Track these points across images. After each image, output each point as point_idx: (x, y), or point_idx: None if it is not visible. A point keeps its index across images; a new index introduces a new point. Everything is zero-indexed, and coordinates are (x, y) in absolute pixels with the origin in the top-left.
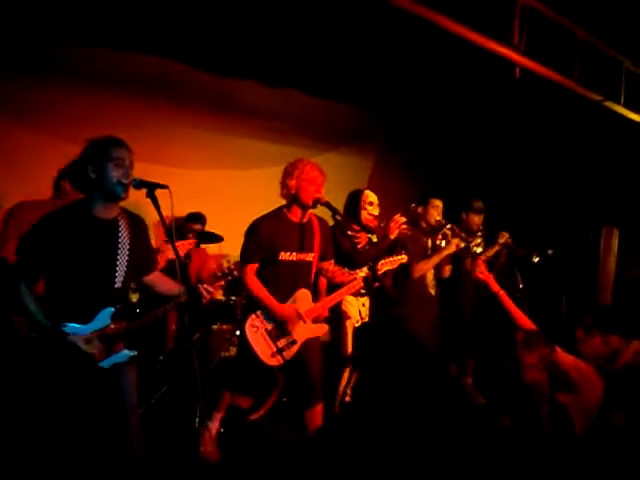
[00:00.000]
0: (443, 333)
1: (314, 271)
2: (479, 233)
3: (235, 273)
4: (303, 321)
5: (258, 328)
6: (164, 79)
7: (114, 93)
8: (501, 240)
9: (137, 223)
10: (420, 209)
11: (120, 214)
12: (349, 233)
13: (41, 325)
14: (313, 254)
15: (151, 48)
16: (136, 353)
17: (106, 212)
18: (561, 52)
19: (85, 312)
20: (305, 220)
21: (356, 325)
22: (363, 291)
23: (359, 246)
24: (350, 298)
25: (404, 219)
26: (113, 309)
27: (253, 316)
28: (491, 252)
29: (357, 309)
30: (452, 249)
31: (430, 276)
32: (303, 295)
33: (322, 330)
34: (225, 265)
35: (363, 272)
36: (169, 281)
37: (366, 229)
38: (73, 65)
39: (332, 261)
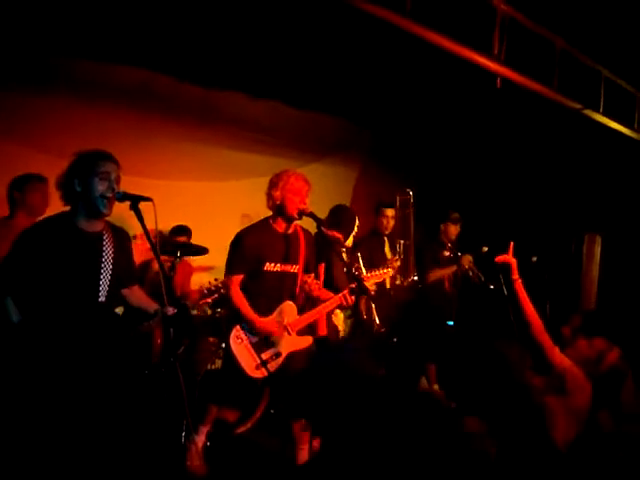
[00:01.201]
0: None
1: (299, 283)
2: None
3: (222, 290)
4: (288, 333)
5: (242, 340)
6: (148, 91)
7: (98, 105)
8: (464, 263)
9: (121, 237)
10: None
11: (105, 227)
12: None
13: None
14: (298, 266)
15: (135, 60)
16: None
17: (90, 225)
18: (541, 61)
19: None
20: (290, 231)
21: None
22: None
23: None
24: (338, 312)
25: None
26: None
27: (237, 327)
28: (448, 271)
29: (345, 322)
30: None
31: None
32: (288, 307)
33: (307, 342)
34: (213, 282)
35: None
36: (144, 297)
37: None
38: (57, 77)
39: (312, 274)
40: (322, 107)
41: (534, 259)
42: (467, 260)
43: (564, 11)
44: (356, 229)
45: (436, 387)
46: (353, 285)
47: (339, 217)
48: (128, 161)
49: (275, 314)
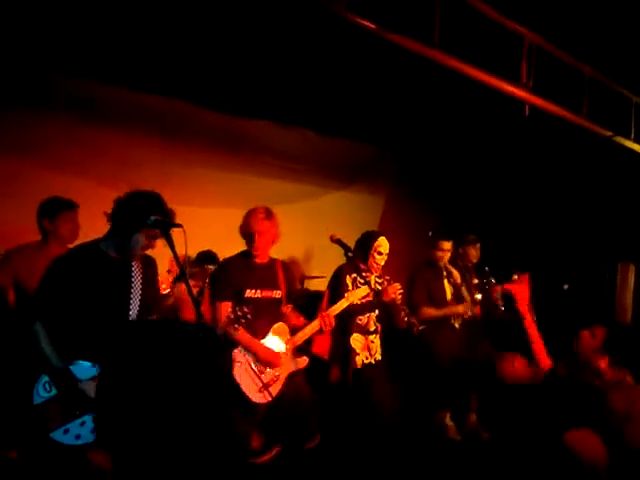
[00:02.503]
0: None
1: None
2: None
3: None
4: (284, 353)
5: (242, 363)
6: (177, 118)
7: (128, 132)
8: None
9: (149, 265)
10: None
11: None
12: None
13: (53, 368)
14: (280, 291)
15: (165, 90)
16: None
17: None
18: (569, 89)
19: (99, 349)
20: (265, 261)
21: (365, 362)
22: (372, 329)
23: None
24: (355, 335)
25: (401, 290)
26: None
27: (236, 351)
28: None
29: (365, 345)
30: (462, 311)
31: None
32: (280, 328)
33: (303, 363)
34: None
35: (325, 312)
36: None
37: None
38: (86, 103)
39: (291, 305)
40: (349, 134)
41: (565, 287)
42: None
43: (592, 38)
44: (378, 256)
45: (473, 417)
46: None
47: (360, 239)
48: (156, 187)
49: (268, 337)
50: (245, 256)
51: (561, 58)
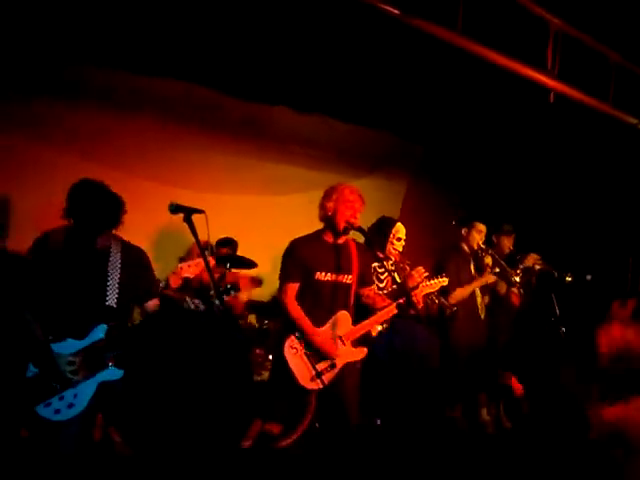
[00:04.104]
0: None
1: (353, 293)
2: (520, 266)
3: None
4: (342, 344)
5: (297, 350)
6: (196, 105)
7: (146, 118)
8: (529, 262)
9: (132, 252)
10: (463, 231)
11: (113, 243)
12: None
13: (35, 344)
14: (351, 276)
15: (185, 75)
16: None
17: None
18: (595, 76)
19: (80, 328)
20: (340, 242)
21: None
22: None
23: (384, 277)
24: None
25: (426, 273)
26: (107, 326)
27: (292, 337)
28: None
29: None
30: (489, 280)
31: (479, 299)
32: (343, 317)
33: (362, 354)
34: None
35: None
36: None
37: (389, 259)
38: (105, 89)
39: (373, 287)
40: (371, 122)
41: (589, 277)
42: (533, 258)
43: (618, 25)
44: (396, 242)
45: (484, 412)
46: (401, 300)
47: (375, 227)
48: (178, 174)
49: (329, 324)
50: (317, 236)
51: (587, 44)
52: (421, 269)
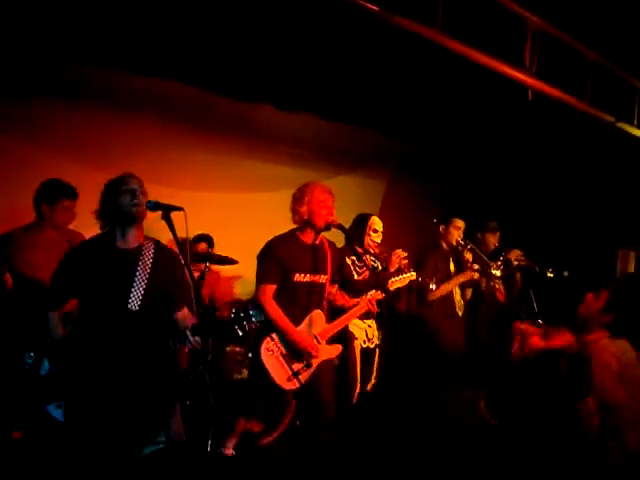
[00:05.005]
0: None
1: (326, 293)
2: (501, 258)
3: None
4: (317, 342)
5: (273, 352)
6: (178, 102)
7: (130, 116)
8: (512, 256)
9: (165, 255)
10: (441, 228)
11: (145, 244)
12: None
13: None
14: (326, 276)
15: (167, 72)
16: None
17: (127, 243)
18: (573, 74)
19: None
20: (317, 242)
21: (363, 346)
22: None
23: (362, 270)
24: (355, 320)
25: (405, 253)
26: None
27: (268, 339)
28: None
29: (363, 330)
30: (467, 277)
31: (457, 297)
32: (317, 316)
33: (336, 351)
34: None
35: (369, 296)
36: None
37: (368, 253)
38: (90, 87)
39: (336, 285)
40: (352, 119)
41: (565, 274)
42: (516, 254)
43: (596, 23)
44: (373, 234)
45: (481, 405)
46: (369, 297)
47: (353, 223)
48: (159, 172)
49: (304, 323)
50: (294, 237)
51: (565, 42)
52: (399, 251)
